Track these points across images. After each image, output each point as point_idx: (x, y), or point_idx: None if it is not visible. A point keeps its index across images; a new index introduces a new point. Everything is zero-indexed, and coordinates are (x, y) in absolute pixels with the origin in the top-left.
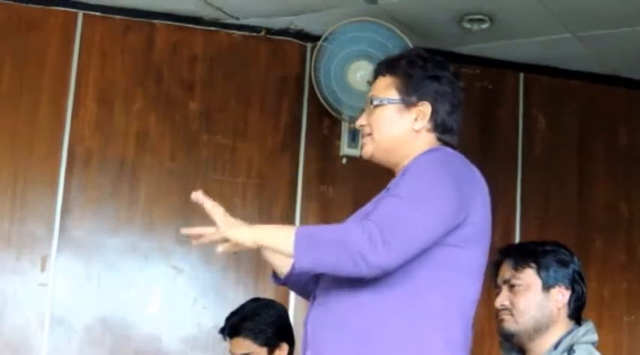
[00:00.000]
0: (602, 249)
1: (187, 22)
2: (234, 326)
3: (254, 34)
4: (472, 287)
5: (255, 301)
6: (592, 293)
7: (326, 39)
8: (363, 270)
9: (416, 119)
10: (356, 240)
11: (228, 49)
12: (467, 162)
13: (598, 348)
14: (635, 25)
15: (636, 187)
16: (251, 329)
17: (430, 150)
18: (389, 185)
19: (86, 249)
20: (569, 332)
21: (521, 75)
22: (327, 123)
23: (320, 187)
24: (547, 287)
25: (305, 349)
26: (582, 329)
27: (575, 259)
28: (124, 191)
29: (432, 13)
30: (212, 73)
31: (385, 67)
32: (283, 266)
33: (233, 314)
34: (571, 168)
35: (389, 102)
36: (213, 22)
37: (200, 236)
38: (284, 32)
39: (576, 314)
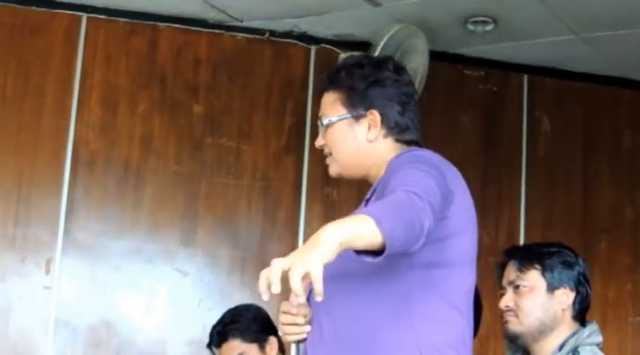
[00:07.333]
0: (607, 250)
1: (191, 25)
2: (221, 333)
3: (258, 36)
4: (462, 278)
5: (232, 308)
6: (597, 295)
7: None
8: (426, 225)
9: (368, 129)
10: (413, 199)
11: (233, 51)
12: (439, 156)
13: (602, 349)
14: None
15: None
16: (237, 328)
17: (401, 154)
18: (367, 197)
19: (91, 251)
20: (573, 334)
21: (526, 77)
22: None
23: (325, 189)
24: (552, 288)
25: None
26: (587, 331)
27: (580, 261)
28: (128, 194)
29: (436, 15)
30: (216, 75)
31: (328, 81)
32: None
33: (215, 325)
34: (576, 170)
35: (338, 119)
36: (217, 25)
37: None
38: (288, 35)
39: (581, 316)
